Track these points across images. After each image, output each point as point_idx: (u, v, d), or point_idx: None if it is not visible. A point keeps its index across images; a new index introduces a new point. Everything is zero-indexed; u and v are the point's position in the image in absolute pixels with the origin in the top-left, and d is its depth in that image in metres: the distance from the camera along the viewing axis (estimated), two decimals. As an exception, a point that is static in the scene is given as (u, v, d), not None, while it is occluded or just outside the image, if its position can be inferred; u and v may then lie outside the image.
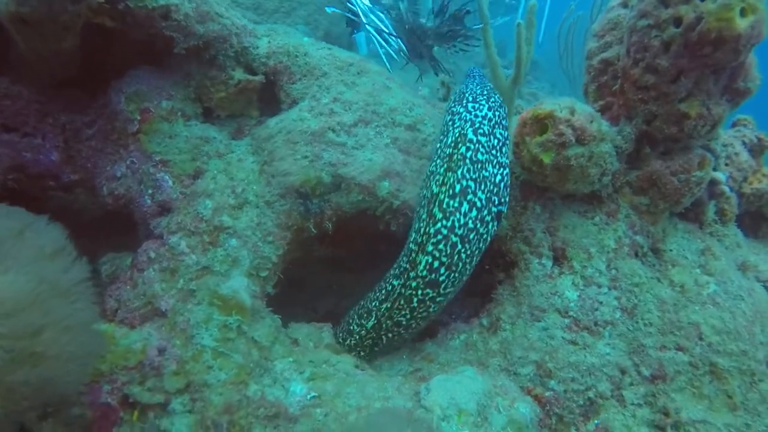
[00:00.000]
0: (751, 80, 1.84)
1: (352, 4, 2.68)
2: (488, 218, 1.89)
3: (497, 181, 1.91)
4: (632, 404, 1.96)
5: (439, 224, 1.82)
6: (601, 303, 2.02)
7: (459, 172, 1.82)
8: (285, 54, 2.30)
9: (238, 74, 2.27)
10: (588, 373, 1.95)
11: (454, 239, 1.83)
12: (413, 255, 1.86)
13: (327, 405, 1.64)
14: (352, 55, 2.38)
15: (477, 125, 1.89)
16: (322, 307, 2.71)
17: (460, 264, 1.89)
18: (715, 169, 2.28)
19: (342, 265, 2.53)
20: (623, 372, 1.98)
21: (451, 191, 1.82)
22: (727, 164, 2.49)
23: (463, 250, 1.86)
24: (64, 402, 1.43)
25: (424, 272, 1.86)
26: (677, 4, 1.72)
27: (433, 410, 1.58)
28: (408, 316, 1.97)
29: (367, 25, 2.67)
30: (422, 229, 1.84)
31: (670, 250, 2.17)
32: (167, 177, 2.12)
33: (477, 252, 1.94)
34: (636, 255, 2.12)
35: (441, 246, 1.83)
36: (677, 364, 1.97)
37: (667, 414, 1.93)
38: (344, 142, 2.05)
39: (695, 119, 1.86)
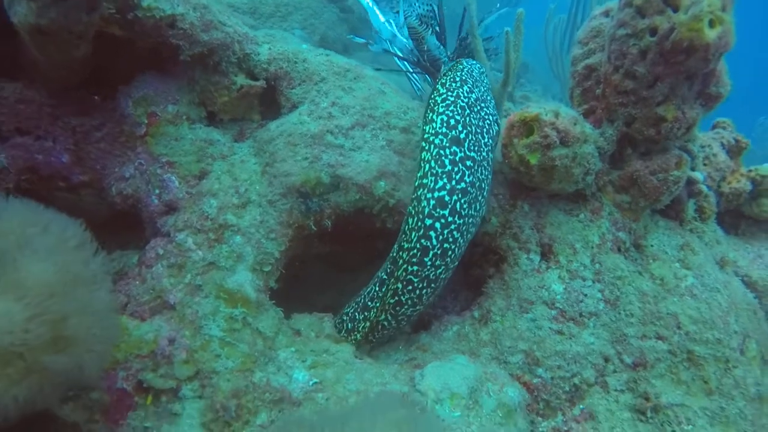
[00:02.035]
0: (722, 86, 1.97)
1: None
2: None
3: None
4: (615, 390, 2.09)
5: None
6: (585, 295, 2.14)
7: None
8: (285, 60, 2.41)
9: (241, 80, 2.37)
10: (573, 361, 2.07)
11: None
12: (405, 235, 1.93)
13: (328, 390, 1.75)
14: (349, 60, 2.50)
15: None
16: (321, 302, 2.81)
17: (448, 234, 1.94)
18: (693, 169, 2.41)
19: (340, 261, 2.64)
20: (607, 360, 2.10)
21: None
22: (705, 164, 2.62)
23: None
24: (85, 386, 1.53)
25: (415, 248, 1.91)
26: (653, 15, 1.85)
27: (427, 394, 1.70)
28: (403, 299, 2.03)
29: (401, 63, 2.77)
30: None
31: (651, 246, 2.30)
32: (174, 178, 2.22)
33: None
34: (619, 250, 2.24)
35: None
36: (657, 352, 2.09)
37: (647, 399, 2.05)
38: (342, 145, 2.16)
39: (671, 122, 1.99)
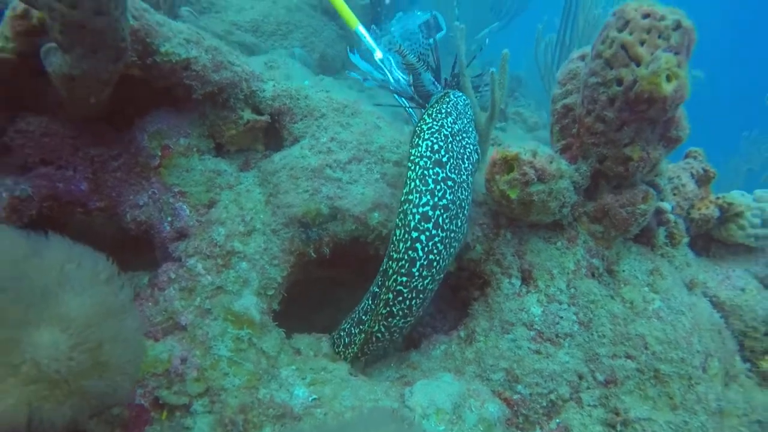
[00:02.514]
0: (681, 129, 2.18)
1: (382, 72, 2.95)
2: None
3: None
4: (588, 405, 2.27)
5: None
6: (561, 318, 2.33)
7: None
8: (288, 97, 2.61)
9: (247, 114, 2.57)
10: (550, 379, 2.26)
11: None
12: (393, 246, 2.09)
13: (326, 406, 1.93)
14: (347, 97, 2.70)
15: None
16: (318, 320, 3.00)
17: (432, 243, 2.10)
18: (662, 200, 2.62)
19: (336, 283, 2.83)
20: (581, 377, 2.29)
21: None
22: (674, 194, 2.83)
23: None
24: (113, 405, 1.72)
25: (404, 259, 2.07)
26: (619, 67, 2.06)
27: (415, 409, 1.89)
28: (395, 310, 2.17)
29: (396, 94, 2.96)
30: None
31: (623, 271, 2.50)
32: (185, 206, 2.41)
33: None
34: (593, 275, 2.44)
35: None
36: (626, 370, 2.29)
37: (617, 413, 2.24)
38: (340, 178, 2.36)
39: (637, 161, 2.20)
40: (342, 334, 2.42)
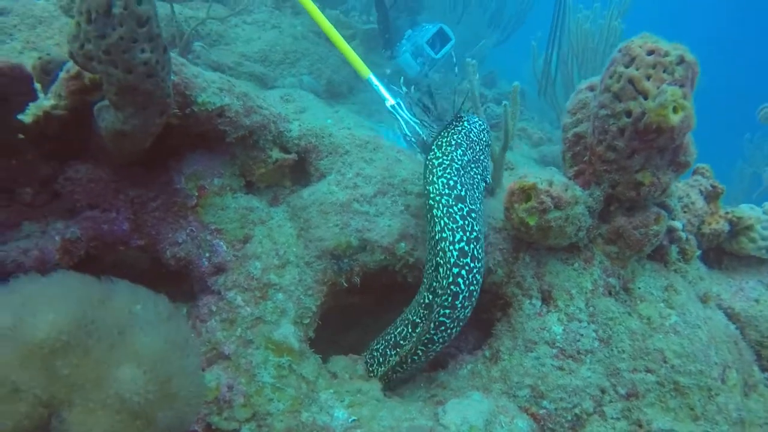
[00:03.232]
0: (689, 155, 2.33)
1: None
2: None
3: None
4: (612, 418, 2.38)
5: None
6: (582, 335, 2.45)
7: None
8: (313, 135, 2.78)
9: (275, 154, 2.74)
10: (574, 394, 2.37)
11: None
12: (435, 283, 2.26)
13: (365, 426, 2.06)
14: (368, 133, 2.87)
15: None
16: (345, 341, 3.13)
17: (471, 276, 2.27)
18: (673, 219, 2.75)
19: (361, 308, 2.97)
20: (603, 391, 2.40)
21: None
22: (685, 212, 2.95)
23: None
24: None
25: (447, 293, 2.23)
26: (627, 100, 2.20)
27: (450, 427, 2.02)
28: (436, 338, 2.32)
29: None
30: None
31: (639, 288, 2.62)
32: (222, 243, 2.57)
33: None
34: (609, 294, 2.56)
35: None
36: (647, 384, 2.39)
37: (640, 425, 2.34)
38: (367, 211, 2.52)
39: (648, 186, 2.33)
40: (375, 354, 2.55)
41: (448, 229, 2.24)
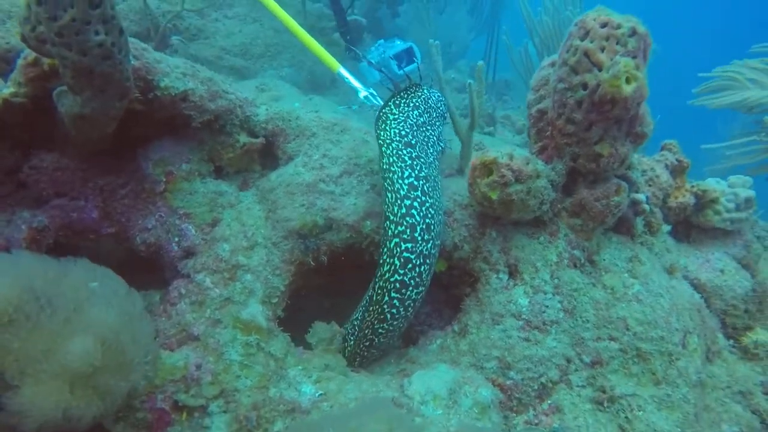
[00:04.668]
0: (646, 126, 2.37)
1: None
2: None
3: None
4: (577, 386, 2.43)
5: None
6: (547, 306, 2.50)
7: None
8: (280, 119, 2.80)
9: (243, 138, 2.76)
10: (540, 363, 2.41)
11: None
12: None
13: (332, 399, 2.10)
14: (335, 115, 2.89)
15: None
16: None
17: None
18: (637, 191, 2.79)
19: (337, 293, 3.00)
20: (568, 361, 2.45)
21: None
22: (649, 185, 3.00)
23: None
24: (132, 408, 1.89)
25: (403, 224, 2.25)
26: (583, 73, 2.24)
27: (414, 397, 2.06)
28: (407, 279, 2.28)
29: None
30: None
31: (604, 260, 2.67)
32: (190, 227, 2.59)
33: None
34: (575, 266, 2.61)
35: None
36: (611, 351, 2.44)
37: (604, 391, 2.39)
38: (333, 191, 2.55)
39: (607, 157, 2.38)
40: (355, 323, 2.54)
41: (396, 166, 2.34)
